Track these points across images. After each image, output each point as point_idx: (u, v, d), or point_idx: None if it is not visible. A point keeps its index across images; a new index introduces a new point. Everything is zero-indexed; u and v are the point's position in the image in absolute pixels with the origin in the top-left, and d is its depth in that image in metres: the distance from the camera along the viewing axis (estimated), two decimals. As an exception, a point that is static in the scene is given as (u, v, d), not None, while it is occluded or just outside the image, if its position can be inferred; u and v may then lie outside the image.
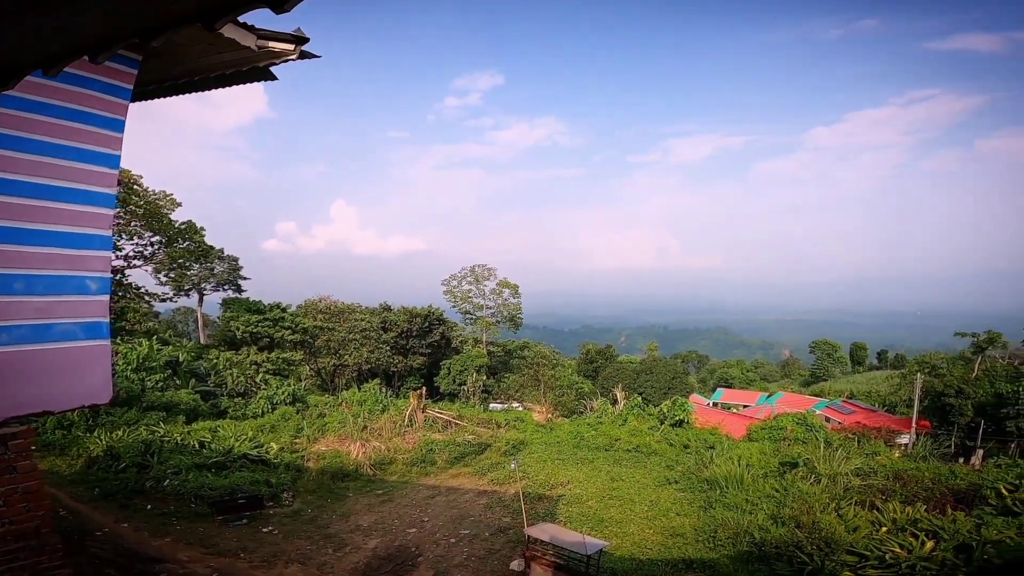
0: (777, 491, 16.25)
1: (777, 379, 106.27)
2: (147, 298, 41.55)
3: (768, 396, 63.44)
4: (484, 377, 52.02)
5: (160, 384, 26.87)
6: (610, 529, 13.98)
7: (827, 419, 42.52)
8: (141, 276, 52.05)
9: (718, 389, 75.62)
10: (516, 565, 11.62)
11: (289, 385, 29.80)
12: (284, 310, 44.62)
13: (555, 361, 59.93)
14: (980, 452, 35.21)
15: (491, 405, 44.50)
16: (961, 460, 32.42)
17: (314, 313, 56.43)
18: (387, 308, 58.76)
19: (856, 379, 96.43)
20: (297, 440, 22.91)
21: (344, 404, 28.09)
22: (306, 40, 5.34)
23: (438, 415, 27.63)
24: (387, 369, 55.54)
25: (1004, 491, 13.16)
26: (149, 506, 14.57)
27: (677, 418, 28.35)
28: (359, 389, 33.01)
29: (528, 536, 11.16)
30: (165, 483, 15.64)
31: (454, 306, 63.63)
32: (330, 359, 54.47)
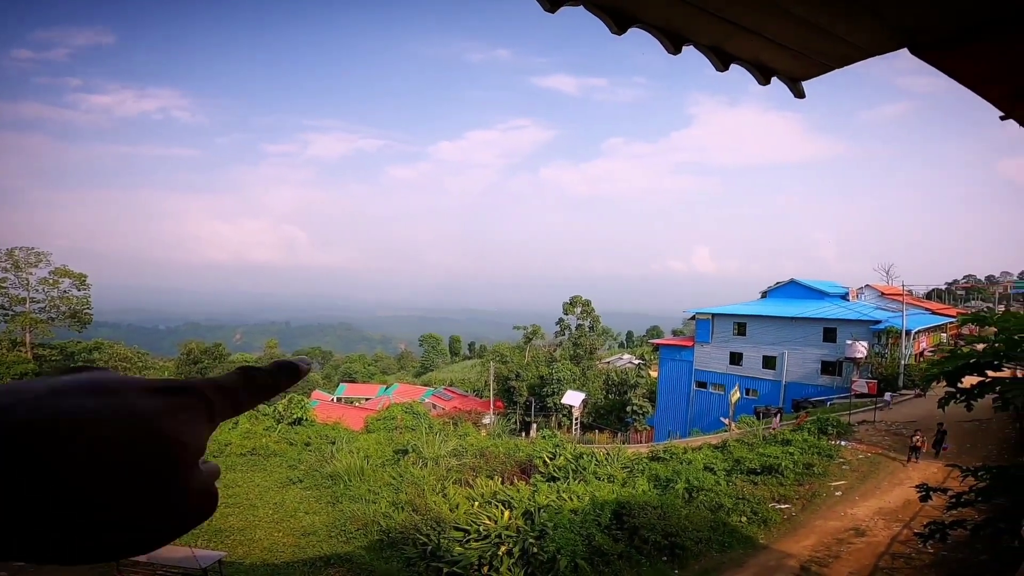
0: (394, 478, 17.79)
1: (395, 371, 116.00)
2: None
3: (387, 388, 68.40)
4: (29, 388, 38.34)
5: None
6: (232, 538, 13.32)
7: (434, 406, 49.00)
8: None
9: (341, 384, 77.17)
10: (110, 594, 9.60)
11: None
12: None
13: (142, 363, 49.81)
14: (534, 426, 47.21)
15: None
16: (523, 434, 42.56)
17: None
18: None
19: (454, 368, 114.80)
20: None
21: None
22: None
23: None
24: None
25: (546, 460, 17.91)
26: None
27: (295, 416, 27.91)
28: None
29: None
30: None
31: (-32, 299, 45.01)
32: None
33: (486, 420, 40.49)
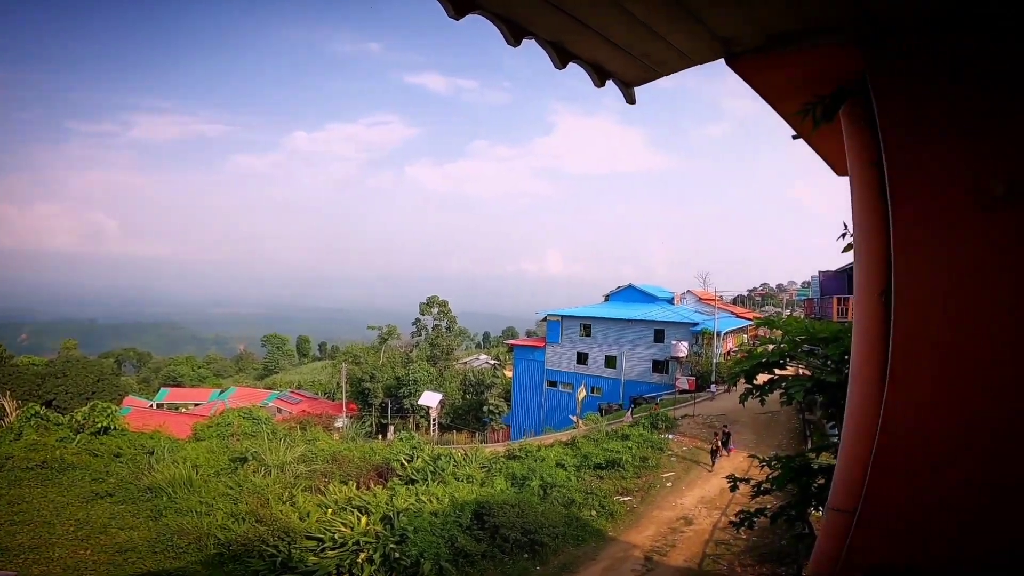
0: (232, 488, 16.36)
1: (232, 374, 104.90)
2: None
3: (221, 392, 61.92)
4: None
5: None
6: (23, 556, 12.09)
7: (279, 410, 45.24)
8: None
9: (163, 389, 68.38)
10: None
11: None
12: None
13: None
14: (391, 428, 45.85)
15: None
16: (380, 437, 41.10)
17: None
18: None
19: (303, 370, 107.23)
20: None
21: None
22: None
23: None
24: None
25: (404, 462, 17.61)
26: None
27: (100, 425, 24.24)
28: None
29: None
30: None
31: None
32: None
33: (339, 423, 38.54)
